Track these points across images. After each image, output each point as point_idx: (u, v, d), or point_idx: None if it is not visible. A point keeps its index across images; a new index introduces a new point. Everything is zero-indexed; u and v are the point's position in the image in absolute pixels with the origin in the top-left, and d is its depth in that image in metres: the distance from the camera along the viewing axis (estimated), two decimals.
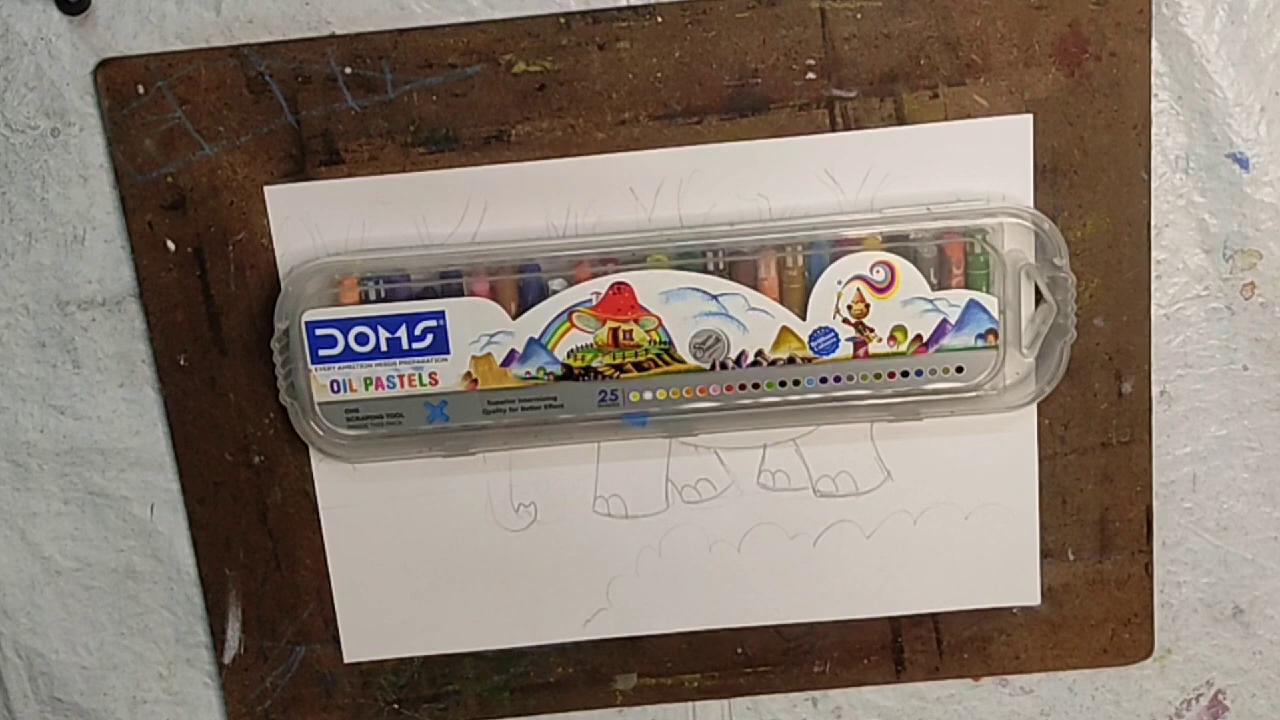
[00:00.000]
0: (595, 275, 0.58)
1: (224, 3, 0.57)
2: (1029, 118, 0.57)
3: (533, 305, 0.58)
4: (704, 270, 0.58)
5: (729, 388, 0.59)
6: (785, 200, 0.58)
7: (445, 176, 0.58)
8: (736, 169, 0.58)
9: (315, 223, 0.58)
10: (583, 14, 0.56)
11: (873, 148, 0.58)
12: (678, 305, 0.58)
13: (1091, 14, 0.56)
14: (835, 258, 0.58)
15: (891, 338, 0.58)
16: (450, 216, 0.58)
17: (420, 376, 0.59)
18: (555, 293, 0.58)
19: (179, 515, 0.62)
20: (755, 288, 0.58)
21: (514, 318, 0.58)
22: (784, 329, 0.58)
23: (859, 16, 0.57)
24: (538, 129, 0.58)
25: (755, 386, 0.59)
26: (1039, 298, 0.58)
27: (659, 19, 0.57)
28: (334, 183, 0.58)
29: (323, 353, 0.58)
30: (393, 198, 0.58)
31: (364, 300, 0.58)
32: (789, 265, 0.58)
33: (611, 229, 0.58)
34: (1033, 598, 0.62)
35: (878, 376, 0.59)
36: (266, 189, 0.58)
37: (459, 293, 0.58)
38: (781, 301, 0.58)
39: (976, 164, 0.57)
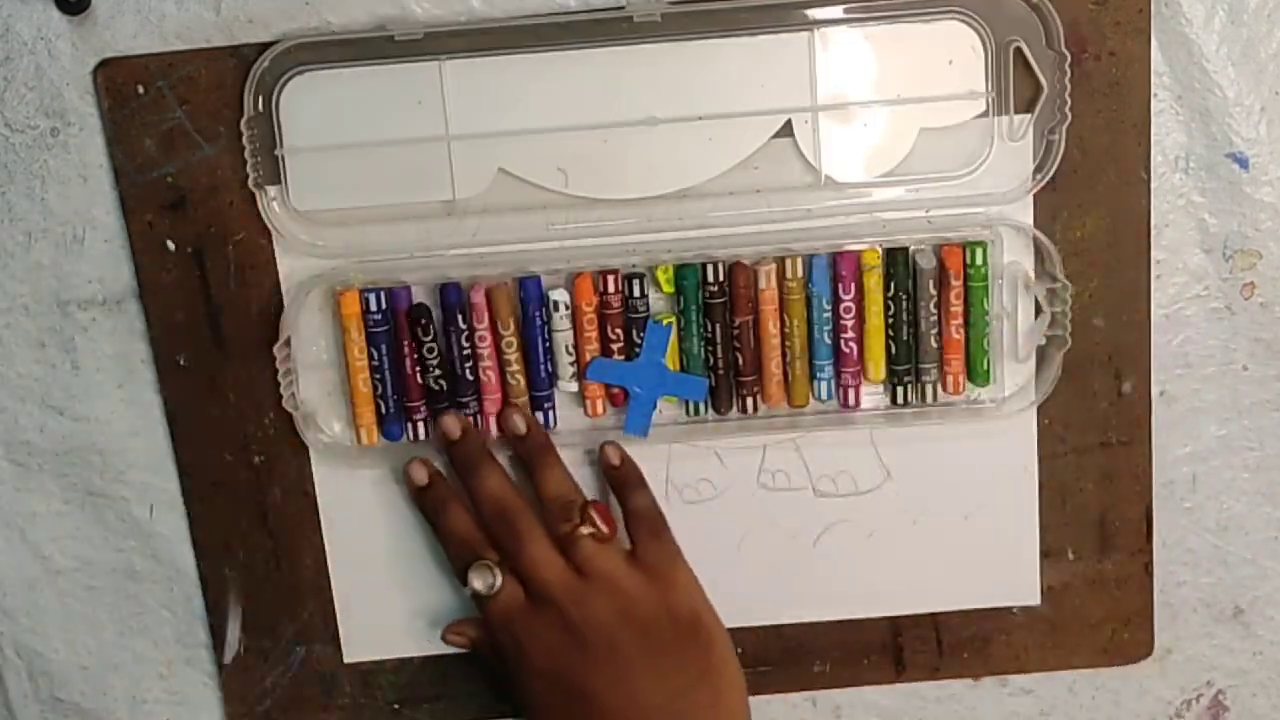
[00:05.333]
0: (595, 285, 0.58)
1: (224, 3, 0.57)
2: (1028, 117, 0.57)
3: (533, 314, 0.58)
4: (704, 281, 0.58)
5: None
6: (784, 200, 0.58)
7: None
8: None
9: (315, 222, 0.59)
10: (583, 14, 0.56)
11: (872, 144, 0.58)
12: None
13: (1091, 14, 0.56)
14: (835, 268, 0.58)
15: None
16: (449, 217, 0.58)
17: None
18: (555, 302, 0.58)
19: (179, 515, 0.62)
20: (755, 298, 0.58)
21: (515, 327, 0.58)
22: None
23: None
24: None
25: None
26: (1038, 308, 0.58)
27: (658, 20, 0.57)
28: None
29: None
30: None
31: (365, 309, 0.58)
32: (789, 276, 0.58)
33: (611, 235, 0.58)
34: (1033, 598, 0.62)
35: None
36: (266, 188, 0.58)
37: (459, 302, 0.58)
38: (782, 312, 0.58)
39: (976, 163, 0.57)
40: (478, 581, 0.56)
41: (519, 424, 0.58)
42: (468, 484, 0.58)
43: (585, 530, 0.56)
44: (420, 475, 0.59)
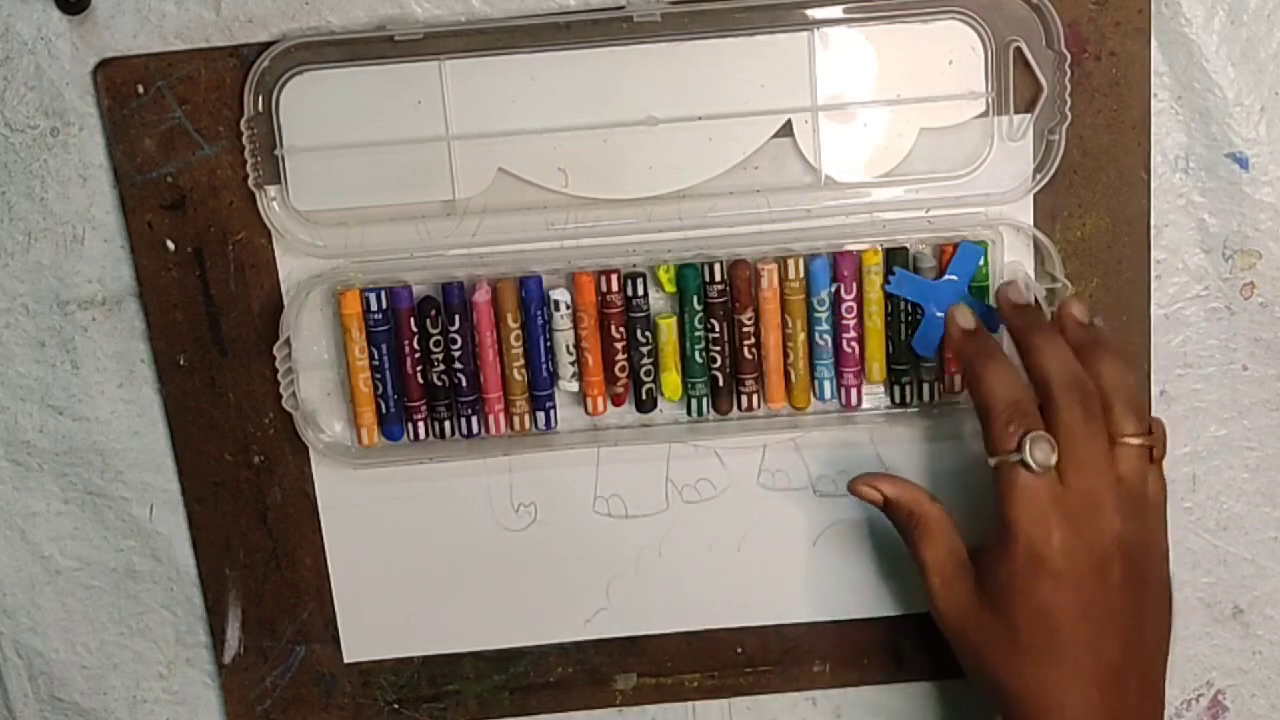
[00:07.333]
0: (596, 284, 0.58)
1: (224, 3, 0.57)
2: (1028, 117, 0.57)
3: (535, 313, 0.58)
4: (705, 280, 0.58)
5: None
6: (784, 200, 0.58)
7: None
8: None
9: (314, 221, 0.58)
10: (582, 14, 0.56)
11: (872, 144, 0.58)
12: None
13: (1091, 14, 0.56)
14: (835, 268, 0.58)
15: None
16: (449, 217, 0.58)
17: None
18: (556, 301, 0.58)
19: (179, 515, 0.62)
20: (757, 298, 0.58)
21: (518, 325, 0.58)
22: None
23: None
24: None
25: None
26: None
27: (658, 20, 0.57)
28: None
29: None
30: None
31: (365, 309, 0.58)
32: (790, 276, 0.58)
33: (611, 235, 0.58)
34: None
35: None
36: (266, 188, 0.58)
37: (460, 301, 0.58)
38: (783, 312, 0.58)
39: (976, 163, 0.57)
40: (1038, 454, 0.50)
41: (1081, 312, 0.54)
42: (1036, 350, 0.52)
43: (1139, 442, 0.51)
44: (968, 319, 0.55)
